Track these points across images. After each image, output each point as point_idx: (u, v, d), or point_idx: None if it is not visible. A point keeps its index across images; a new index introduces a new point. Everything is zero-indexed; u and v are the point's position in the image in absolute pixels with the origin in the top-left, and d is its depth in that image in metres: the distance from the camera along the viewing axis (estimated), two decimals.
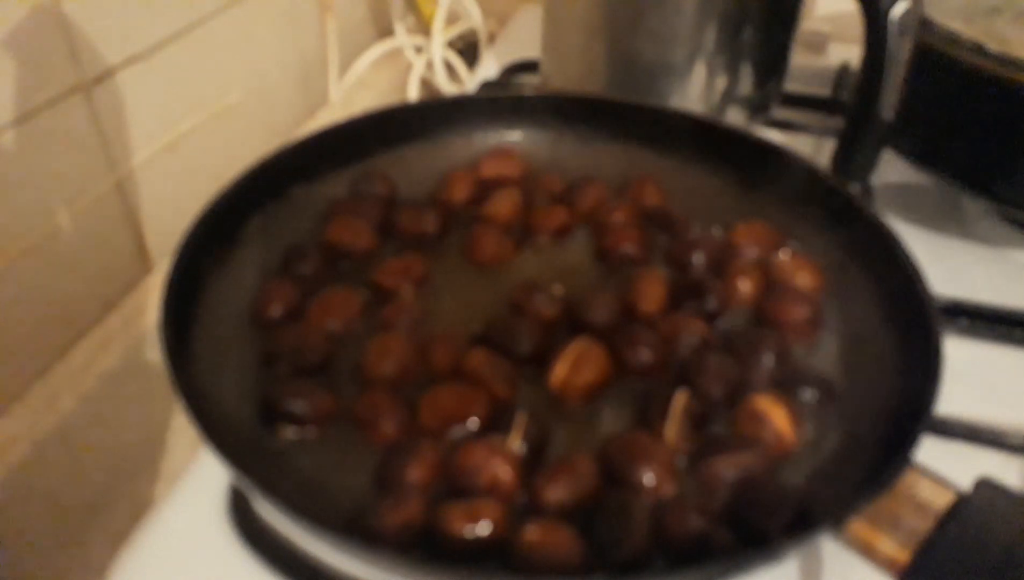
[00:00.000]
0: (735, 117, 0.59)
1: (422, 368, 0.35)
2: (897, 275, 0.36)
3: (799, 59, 0.66)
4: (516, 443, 0.31)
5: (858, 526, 0.27)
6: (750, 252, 0.42)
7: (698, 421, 0.33)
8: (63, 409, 0.44)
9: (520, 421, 0.31)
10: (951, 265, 0.50)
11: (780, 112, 0.63)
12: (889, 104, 0.46)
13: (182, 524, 0.35)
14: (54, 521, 0.45)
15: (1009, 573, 0.25)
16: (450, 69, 0.80)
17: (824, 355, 0.37)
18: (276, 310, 0.37)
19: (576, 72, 0.60)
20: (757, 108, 0.60)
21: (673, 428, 0.32)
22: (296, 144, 0.44)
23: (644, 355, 0.35)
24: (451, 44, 0.81)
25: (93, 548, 0.46)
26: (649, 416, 0.33)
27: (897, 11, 0.44)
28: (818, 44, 0.75)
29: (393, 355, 0.35)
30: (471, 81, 0.73)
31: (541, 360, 0.35)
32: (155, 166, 0.52)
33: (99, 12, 0.46)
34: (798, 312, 0.38)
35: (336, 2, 0.73)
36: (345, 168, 0.46)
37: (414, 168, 0.47)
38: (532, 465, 0.31)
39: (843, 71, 0.69)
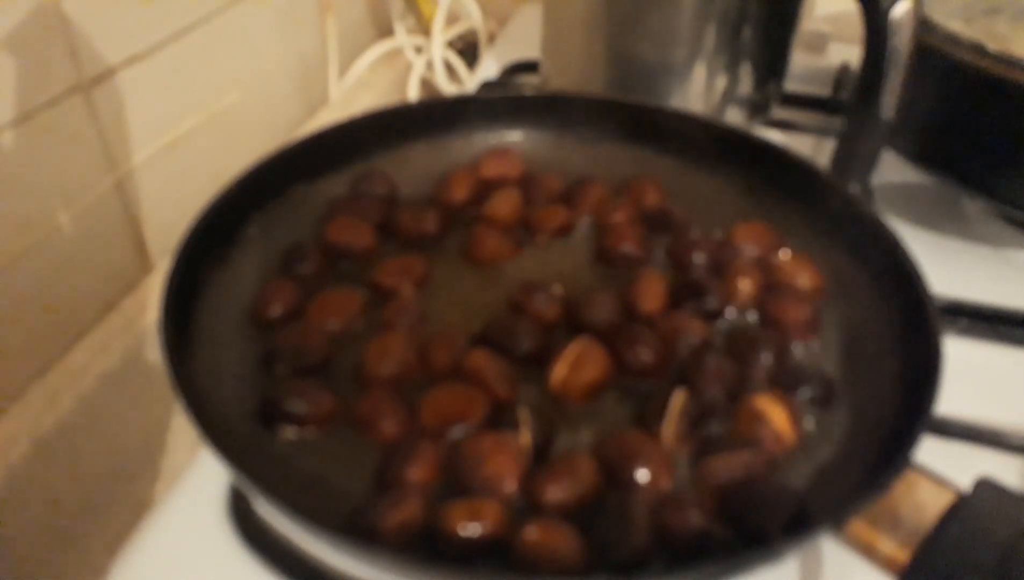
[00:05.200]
0: (735, 117, 0.59)
1: (422, 368, 0.35)
2: (897, 275, 0.36)
3: (799, 59, 0.66)
4: (525, 440, 0.31)
5: (858, 526, 0.27)
6: (750, 252, 0.42)
7: (697, 421, 0.33)
8: (63, 409, 0.44)
9: (525, 417, 0.31)
10: (951, 265, 0.50)
11: (780, 112, 0.63)
12: (889, 104, 0.46)
13: (182, 524, 0.35)
14: (54, 521, 0.45)
15: (1009, 573, 0.25)
16: (450, 69, 0.80)
17: (824, 355, 0.37)
18: (276, 310, 0.37)
19: (576, 72, 0.60)
20: (757, 108, 0.60)
21: (670, 428, 0.32)
22: (296, 144, 0.44)
23: (644, 355, 0.35)
24: (451, 44, 0.81)
25: (93, 548, 0.46)
26: (647, 416, 0.33)
27: (897, 11, 0.44)
28: (818, 44, 0.75)
29: (393, 355, 0.35)
30: (471, 81, 0.73)
31: (541, 360, 0.35)
32: (155, 166, 0.52)
33: (99, 12, 0.46)
34: (798, 312, 0.38)
35: (336, 2, 0.73)
36: (345, 168, 0.46)
37: (414, 168, 0.47)
38: (536, 463, 0.31)
39: (843, 71, 0.69)
